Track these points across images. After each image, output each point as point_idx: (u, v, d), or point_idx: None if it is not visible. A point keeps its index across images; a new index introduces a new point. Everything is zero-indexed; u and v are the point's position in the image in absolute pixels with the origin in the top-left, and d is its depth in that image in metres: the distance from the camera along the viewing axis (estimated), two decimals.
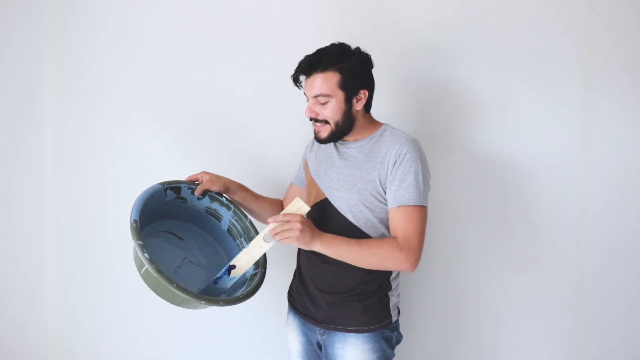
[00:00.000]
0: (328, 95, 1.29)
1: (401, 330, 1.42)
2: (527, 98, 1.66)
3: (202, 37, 1.76)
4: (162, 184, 1.36)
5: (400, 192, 1.25)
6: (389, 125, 1.39)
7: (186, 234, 1.45)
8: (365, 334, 1.31)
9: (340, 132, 1.34)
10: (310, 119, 1.35)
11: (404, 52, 1.70)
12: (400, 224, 1.25)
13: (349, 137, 1.38)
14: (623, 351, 1.70)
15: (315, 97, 1.30)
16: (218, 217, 1.45)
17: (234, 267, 1.28)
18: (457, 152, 1.70)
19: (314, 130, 1.37)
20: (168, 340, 1.83)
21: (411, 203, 1.24)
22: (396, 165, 1.27)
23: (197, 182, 1.42)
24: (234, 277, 1.27)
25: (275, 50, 1.74)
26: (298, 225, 1.19)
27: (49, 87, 1.81)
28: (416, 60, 1.70)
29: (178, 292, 1.12)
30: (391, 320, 1.35)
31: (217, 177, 1.43)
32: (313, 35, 1.67)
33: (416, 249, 1.24)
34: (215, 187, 1.41)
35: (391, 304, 1.36)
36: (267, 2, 1.74)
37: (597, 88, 1.63)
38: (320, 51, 1.31)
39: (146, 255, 1.14)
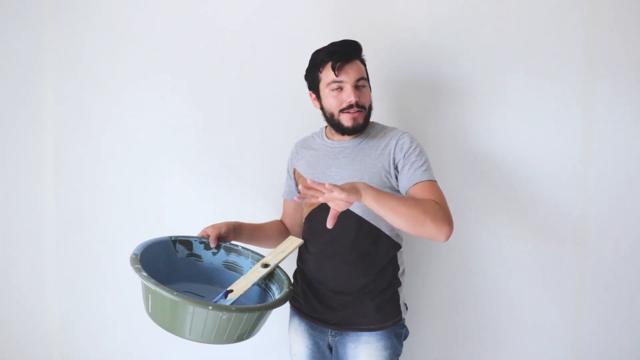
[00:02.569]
0: (367, 80, 1.36)
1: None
2: (527, 98, 1.68)
3: (202, 38, 1.76)
4: (170, 236, 1.34)
5: (417, 173, 1.27)
6: (377, 123, 1.45)
7: (206, 292, 1.36)
8: (379, 332, 1.31)
9: (369, 119, 1.38)
10: (349, 106, 1.32)
11: (403, 50, 1.71)
12: (429, 194, 1.22)
13: (344, 136, 1.39)
14: (623, 351, 1.71)
15: (359, 80, 1.33)
16: (239, 270, 1.38)
17: (231, 291, 1.23)
18: (457, 151, 1.71)
19: (351, 118, 1.32)
20: (168, 341, 1.78)
21: (425, 178, 1.26)
22: (405, 154, 1.30)
23: (206, 238, 1.37)
24: (230, 300, 1.22)
25: (275, 50, 1.74)
26: (337, 194, 1.05)
27: (48, 87, 1.80)
28: (415, 60, 1.71)
29: (181, 300, 1.04)
30: (401, 317, 1.36)
31: (219, 223, 1.39)
32: (311, 35, 1.68)
33: (450, 213, 1.20)
34: (224, 230, 1.36)
35: (401, 300, 1.37)
36: (267, 2, 1.74)
37: (597, 88, 1.65)
38: (352, 41, 1.35)
39: (144, 273, 1.10)
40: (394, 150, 1.32)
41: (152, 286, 1.06)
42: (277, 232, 1.53)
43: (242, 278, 1.27)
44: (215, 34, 1.75)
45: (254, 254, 1.38)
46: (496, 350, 1.76)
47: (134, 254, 1.20)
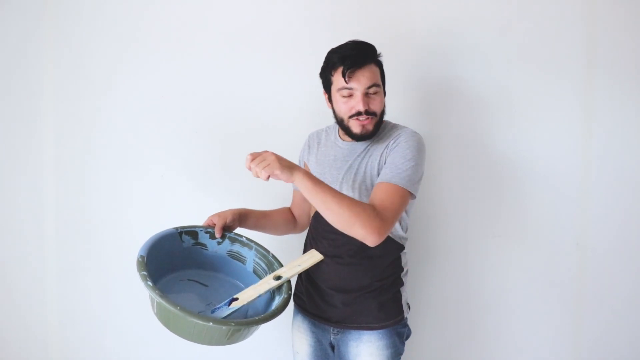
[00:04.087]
0: (379, 85, 1.31)
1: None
2: (527, 98, 1.68)
3: (202, 38, 1.76)
4: (176, 228, 1.35)
5: (385, 172, 1.26)
6: (390, 122, 1.42)
7: (210, 280, 1.39)
8: (380, 331, 1.31)
9: (380, 124, 1.35)
10: (358, 113, 1.29)
11: (408, 51, 1.72)
12: (380, 195, 1.22)
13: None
14: (623, 351, 1.72)
15: (370, 87, 1.28)
16: (242, 260, 1.40)
17: (236, 299, 1.24)
18: (456, 152, 1.72)
19: (360, 125, 1.30)
20: (169, 340, 1.78)
21: (393, 182, 1.23)
22: (389, 148, 1.29)
23: (212, 227, 1.38)
24: (232, 308, 1.23)
25: (276, 50, 1.74)
26: (269, 154, 1.18)
27: (49, 87, 1.79)
28: (419, 60, 1.72)
29: (183, 314, 1.07)
30: (403, 316, 1.36)
31: (225, 211, 1.40)
32: (315, 36, 1.68)
33: (388, 221, 1.19)
34: (229, 219, 1.37)
35: (403, 300, 1.37)
36: (270, 2, 1.74)
37: (597, 88, 1.66)
38: (364, 44, 1.31)
39: (149, 282, 1.12)
40: (390, 145, 1.31)
41: (157, 297, 1.10)
42: (283, 220, 1.54)
43: (250, 288, 1.27)
44: (215, 35, 1.75)
45: (257, 246, 1.39)
46: (497, 350, 1.76)
47: (140, 255, 1.20)
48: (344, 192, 1.34)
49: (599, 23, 1.65)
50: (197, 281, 1.36)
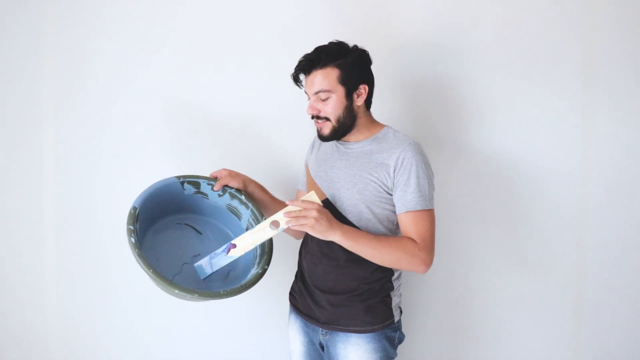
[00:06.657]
0: (328, 91, 1.29)
1: (403, 330, 1.42)
2: (527, 98, 1.67)
3: (202, 38, 1.76)
4: (178, 177, 1.38)
5: (406, 198, 1.26)
6: (391, 128, 1.39)
7: (205, 228, 1.45)
8: (368, 334, 1.31)
9: (342, 129, 1.34)
10: (312, 117, 1.35)
11: (405, 52, 1.70)
12: (413, 227, 1.26)
13: (351, 137, 1.37)
14: (623, 351, 1.71)
15: (316, 93, 1.30)
16: (238, 216, 1.44)
17: (234, 246, 1.27)
18: (457, 152, 1.70)
19: (317, 129, 1.36)
20: (168, 341, 1.81)
21: (418, 208, 1.26)
22: (397, 171, 1.28)
23: (217, 179, 1.42)
24: (231, 257, 1.26)
25: (275, 50, 1.74)
26: (314, 213, 1.20)
27: (48, 87, 1.80)
28: (417, 61, 1.70)
29: (154, 276, 1.13)
30: (393, 320, 1.35)
31: (237, 174, 1.43)
32: (312, 35, 1.66)
33: (430, 250, 1.26)
34: (233, 183, 1.41)
35: (393, 304, 1.36)
36: (267, 1, 1.74)
37: (597, 88, 1.64)
38: (318, 49, 1.32)
39: (132, 239, 1.17)
40: (394, 163, 1.28)
41: (137, 257, 1.15)
42: None
43: (248, 233, 1.29)
44: (215, 34, 1.75)
45: (253, 208, 1.41)
46: (496, 352, 1.76)
47: (134, 207, 1.25)
48: (339, 192, 1.33)
49: (598, 23, 1.62)
50: (193, 227, 1.41)
